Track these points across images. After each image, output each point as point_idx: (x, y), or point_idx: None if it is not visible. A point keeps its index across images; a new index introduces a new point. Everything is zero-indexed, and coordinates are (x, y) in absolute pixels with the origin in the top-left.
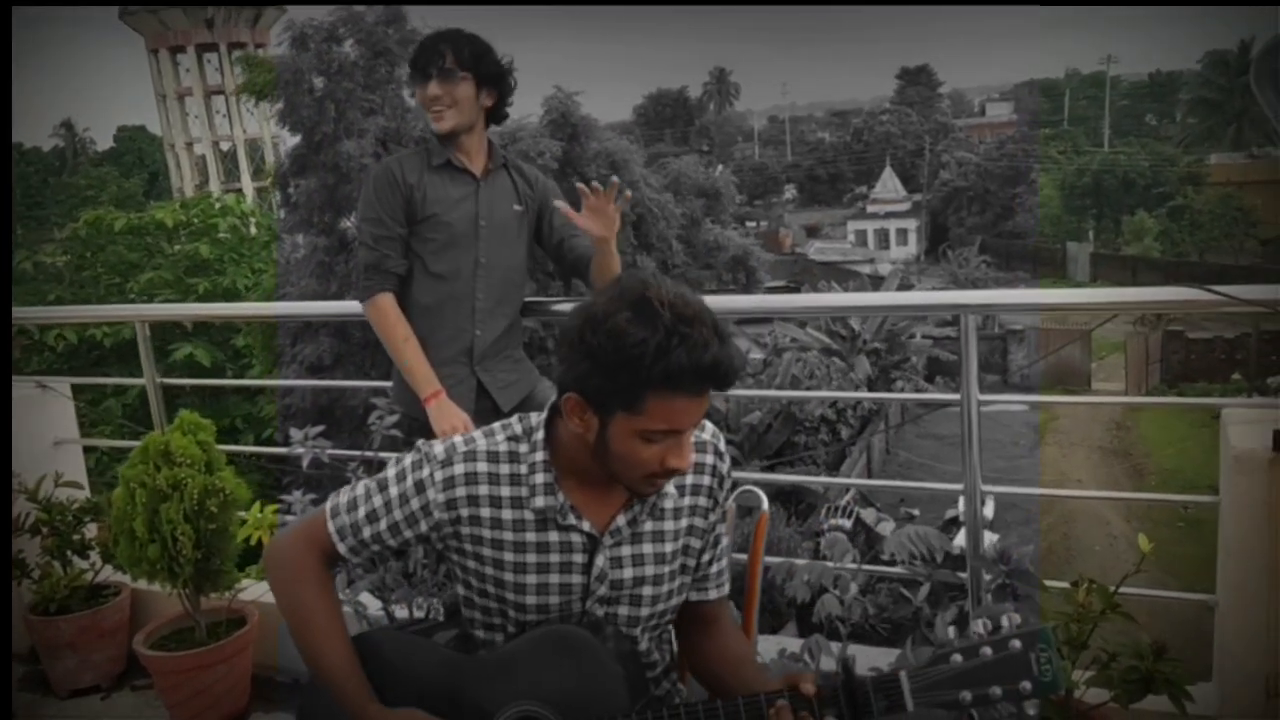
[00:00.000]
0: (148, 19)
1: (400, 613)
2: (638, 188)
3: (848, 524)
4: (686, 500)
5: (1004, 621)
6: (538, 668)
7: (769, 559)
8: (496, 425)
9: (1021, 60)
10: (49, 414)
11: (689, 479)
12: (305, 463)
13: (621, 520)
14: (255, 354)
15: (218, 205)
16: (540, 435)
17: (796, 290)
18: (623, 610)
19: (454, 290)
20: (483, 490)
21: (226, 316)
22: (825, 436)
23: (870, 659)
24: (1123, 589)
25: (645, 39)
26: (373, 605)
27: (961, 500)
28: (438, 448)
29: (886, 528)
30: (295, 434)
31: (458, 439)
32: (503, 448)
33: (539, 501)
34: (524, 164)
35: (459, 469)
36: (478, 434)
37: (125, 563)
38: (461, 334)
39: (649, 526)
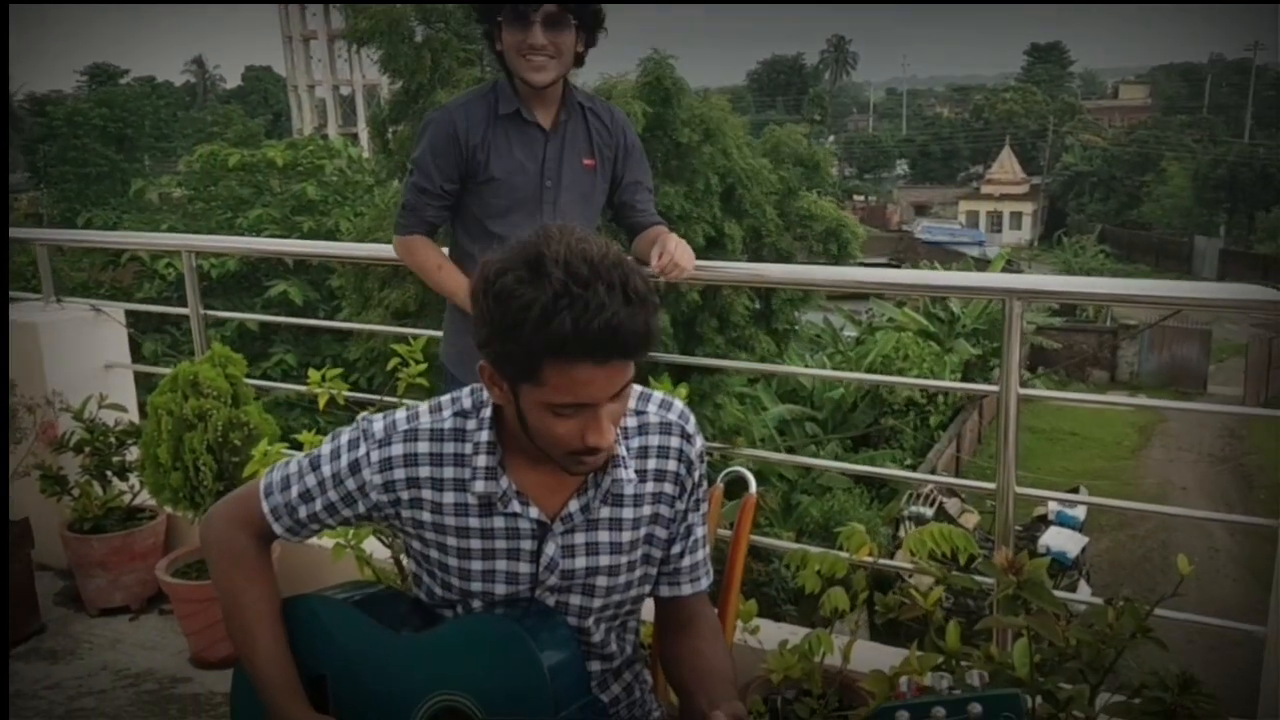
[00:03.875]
0: None
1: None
2: (730, 155)
3: (929, 512)
4: (649, 486)
5: (974, 680)
6: (465, 657)
7: (803, 545)
8: (446, 399)
9: (1161, 43)
10: (101, 337)
11: (652, 464)
12: (321, 404)
13: (574, 506)
14: (346, 295)
15: (326, 147)
16: (488, 412)
17: (896, 268)
18: (575, 600)
19: None
20: (423, 472)
21: (265, 252)
22: (914, 420)
23: (874, 659)
24: (1171, 615)
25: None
26: (380, 552)
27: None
28: (377, 425)
29: (970, 520)
30: (313, 374)
31: (400, 414)
32: (448, 424)
33: (479, 486)
34: (605, 105)
35: (397, 449)
36: (424, 408)
37: (151, 488)
38: None
39: (605, 513)
